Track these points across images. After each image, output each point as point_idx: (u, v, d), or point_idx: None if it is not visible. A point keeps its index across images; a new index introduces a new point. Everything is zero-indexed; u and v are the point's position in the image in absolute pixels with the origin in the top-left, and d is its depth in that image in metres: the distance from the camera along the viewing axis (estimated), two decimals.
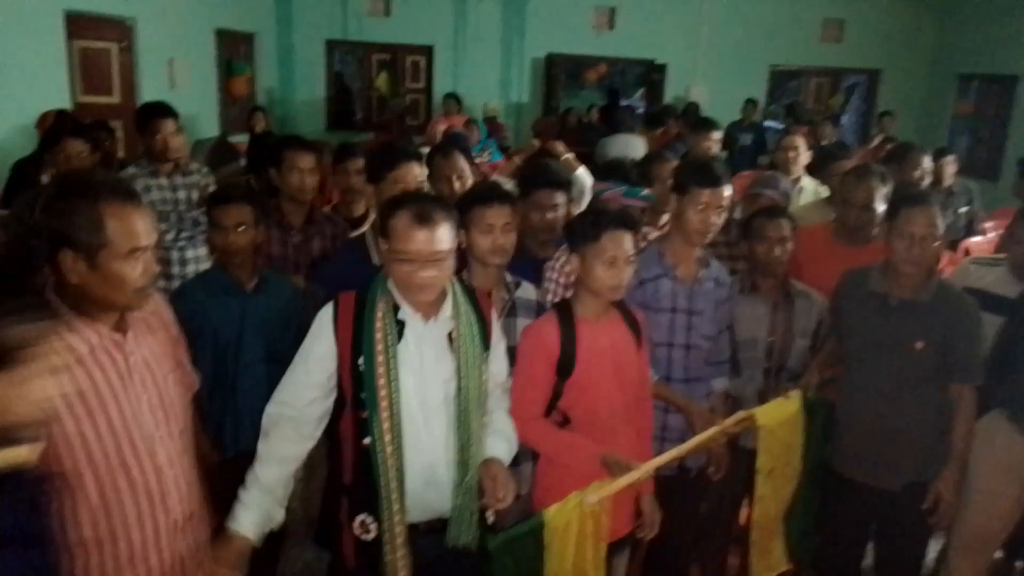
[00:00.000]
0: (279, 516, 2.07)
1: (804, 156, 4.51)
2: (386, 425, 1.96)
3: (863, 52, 11.01)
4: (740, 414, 2.52)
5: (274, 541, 2.98)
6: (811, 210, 3.84)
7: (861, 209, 3.13)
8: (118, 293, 1.65)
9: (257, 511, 2.01)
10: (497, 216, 2.38)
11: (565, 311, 2.33)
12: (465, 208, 2.35)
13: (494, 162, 6.39)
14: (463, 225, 2.31)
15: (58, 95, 6.03)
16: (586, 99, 11.13)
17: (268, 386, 2.72)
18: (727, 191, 2.52)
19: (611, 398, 2.32)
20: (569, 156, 4.28)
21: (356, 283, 2.16)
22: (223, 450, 2.64)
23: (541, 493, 2.36)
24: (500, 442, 2.17)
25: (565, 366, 2.27)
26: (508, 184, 4.39)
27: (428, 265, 1.94)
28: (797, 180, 4.40)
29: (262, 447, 2.07)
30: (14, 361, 1.29)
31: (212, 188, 4.00)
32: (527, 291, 2.55)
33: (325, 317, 2.04)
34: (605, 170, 3.32)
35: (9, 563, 1.34)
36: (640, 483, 2.27)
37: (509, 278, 2.53)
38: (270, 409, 2.08)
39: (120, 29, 7.03)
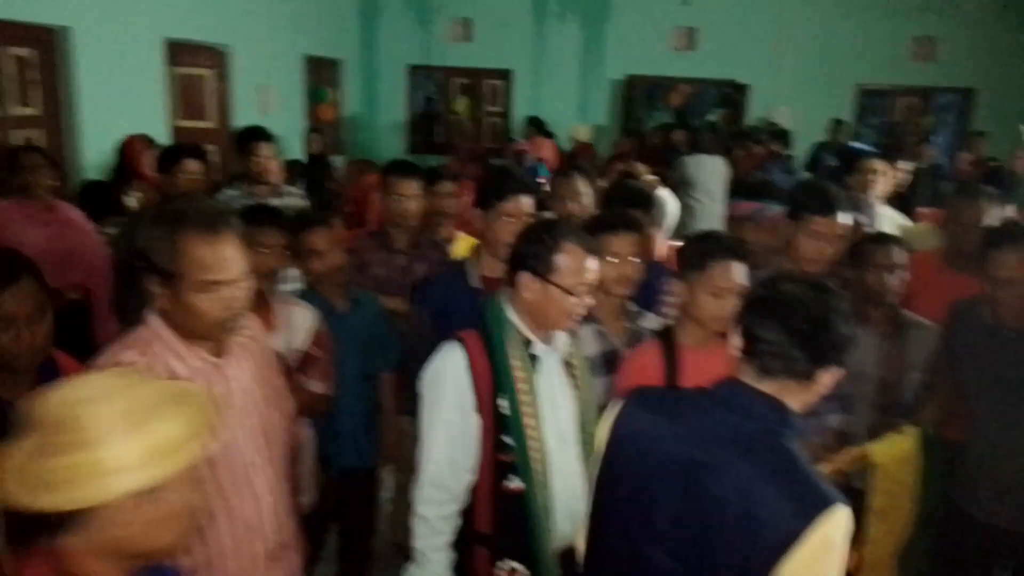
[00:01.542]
0: None
1: (884, 181, 4.18)
2: (539, 467, 1.90)
3: (956, 70, 10.57)
4: (854, 451, 2.39)
5: (361, 563, 2.97)
6: (914, 236, 3.65)
7: (970, 229, 2.98)
8: (196, 324, 1.63)
9: None
10: (623, 244, 2.34)
11: (667, 338, 2.25)
12: (591, 234, 2.31)
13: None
14: (597, 253, 2.27)
15: (157, 119, 6.29)
16: (663, 120, 11.02)
17: (366, 404, 2.78)
18: (843, 219, 2.40)
19: None
20: (650, 177, 4.24)
21: (457, 306, 2.13)
22: (327, 470, 2.66)
23: None
24: None
25: None
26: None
27: (589, 292, 1.92)
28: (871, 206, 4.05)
29: (437, 523, 1.93)
30: None
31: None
32: (650, 321, 2.49)
33: (458, 364, 1.91)
34: (753, 190, 3.19)
35: None
36: None
37: (632, 307, 2.49)
38: (428, 491, 1.92)
39: (216, 56, 7.30)
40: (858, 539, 2.64)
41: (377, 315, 2.84)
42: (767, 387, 1.48)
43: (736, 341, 1.53)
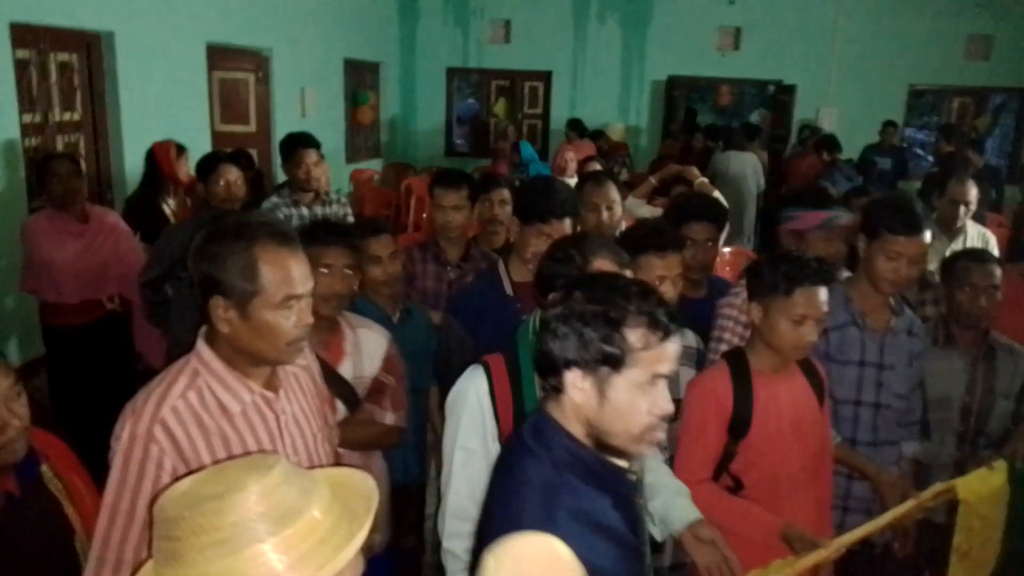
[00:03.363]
0: None
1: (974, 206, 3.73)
2: None
3: (1013, 70, 10.21)
4: (939, 486, 2.21)
5: None
6: None
7: None
8: (268, 346, 1.52)
9: None
10: (668, 267, 2.20)
11: (739, 363, 2.10)
12: (633, 250, 2.15)
13: None
14: (630, 267, 2.13)
15: (199, 124, 6.27)
16: (704, 121, 10.83)
17: (414, 415, 2.67)
18: (926, 239, 2.23)
19: (789, 462, 2.08)
20: (704, 180, 4.09)
21: (491, 316, 2.03)
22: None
23: None
24: (685, 499, 1.93)
25: (739, 425, 2.05)
26: (643, 207, 4.20)
27: None
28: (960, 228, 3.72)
29: (465, 555, 1.79)
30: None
31: (351, 218, 4.00)
32: (687, 338, 2.34)
33: (480, 390, 1.82)
34: (814, 199, 2.94)
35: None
36: (823, 561, 2.01)
37: None
38: (452, 524, 1.82)
39: (257, 60, 7.28)
40: None
41: (427, 327, 2.76)
42: (547, 402, 1.43)
43: None
